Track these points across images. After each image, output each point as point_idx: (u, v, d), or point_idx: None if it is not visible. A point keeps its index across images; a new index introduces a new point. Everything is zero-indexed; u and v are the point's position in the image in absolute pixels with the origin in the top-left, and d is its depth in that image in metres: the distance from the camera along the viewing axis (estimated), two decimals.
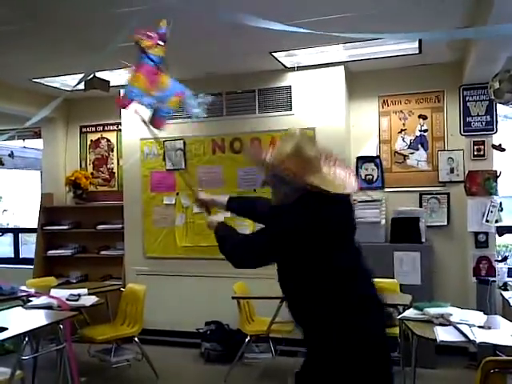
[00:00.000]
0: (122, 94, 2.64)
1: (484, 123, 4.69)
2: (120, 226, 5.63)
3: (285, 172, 1.92)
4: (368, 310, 1.93)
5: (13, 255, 6.78)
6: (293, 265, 1.97)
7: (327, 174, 1.98)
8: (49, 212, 6.10)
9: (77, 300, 4.06)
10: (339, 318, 1.88)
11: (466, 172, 4.72)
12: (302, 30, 2.75)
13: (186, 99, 2.65)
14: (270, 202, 2.13)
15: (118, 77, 5.02)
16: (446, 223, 4.88)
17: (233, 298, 4.33)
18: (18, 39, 4.01)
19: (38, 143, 6.60)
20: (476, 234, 4.65)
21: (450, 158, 4.87)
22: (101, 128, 6.19)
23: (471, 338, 2.87)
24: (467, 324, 3.11)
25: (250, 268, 2.08)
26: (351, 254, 2.00)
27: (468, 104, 4.75)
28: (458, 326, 3.06)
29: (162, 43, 2.70)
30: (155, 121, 2.65)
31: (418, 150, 5.01)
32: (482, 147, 4.69)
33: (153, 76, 2.60)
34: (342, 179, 1.99)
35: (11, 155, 6.92)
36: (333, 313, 1.89)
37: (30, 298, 4.09)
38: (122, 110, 2.59)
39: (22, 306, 3.90)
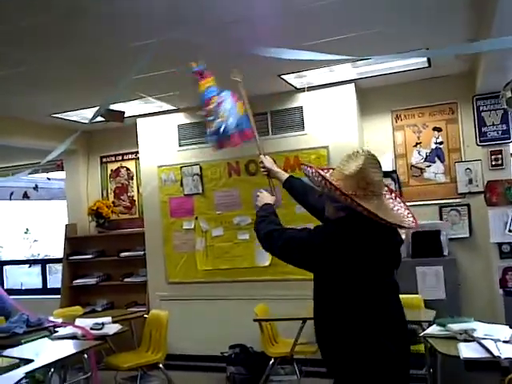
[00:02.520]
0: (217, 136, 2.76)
1: (500, 132, 4.63)
2: (142, 252, 5.72)
3: (335, 191, 1.88)
4: (395, 336, 1.93)
5: (41, 286, 6.92)
6: (323, 283, 2.00)
7: (388, 202, 2.00)
8: (73, 242, 6.24)
9: (101, 329, 4.12)
10: (365, 342, 1.88)
11: (485, 182, 4.65)
12: (325, 57, 2.78)
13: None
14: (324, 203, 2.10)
15: (132, 108, 5.16)
16: (467, 235, 4.80)
17: (254, 320, 4.33)
18: (37, 79, 4.17)
19: (62, 174, 6.78)
20: (500, 244, 4.55)
21: (467, 168, 4.81)
22: (120, 157, 6.34)
23: (496, 353, 2.80)
24: (492, 339, 3.03)
25: (273, 255, 2.13)
26: (385, 285, 1.96)
27: (482, 114, 4.70)
28: (483, 341, 2.99)
29: (202, 77, 2.83)
30: (245, 136, 2.76)
31: (434, 162, 4.97)
32: (500, 156, 4.63)
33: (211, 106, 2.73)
34: (401, 212, 2.00)
35: (36, 188, 7.13)
36: (360, 336, 1.89)
37: (56, 329, 4.17)
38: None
39: (48, 336, 3.98)
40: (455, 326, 3.25)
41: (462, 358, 2.87)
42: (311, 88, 4.94)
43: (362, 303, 1.90)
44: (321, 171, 1.97)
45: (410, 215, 2.01)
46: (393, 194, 2.11)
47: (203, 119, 2.89)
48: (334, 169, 2.07)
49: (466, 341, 3.08)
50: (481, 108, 4.70)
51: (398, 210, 2.03)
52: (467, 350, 2.92)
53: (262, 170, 2.66)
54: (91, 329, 4.09)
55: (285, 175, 2.58)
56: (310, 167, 2.03)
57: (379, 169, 1.97)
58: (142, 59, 2.97)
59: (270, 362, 4.31)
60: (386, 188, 2.07)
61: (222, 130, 2.69)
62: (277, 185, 2.66)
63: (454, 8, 3.25)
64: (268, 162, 2.64)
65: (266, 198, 2.40)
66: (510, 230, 4.49)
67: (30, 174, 6.17)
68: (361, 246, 1.88)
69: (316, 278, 2.04)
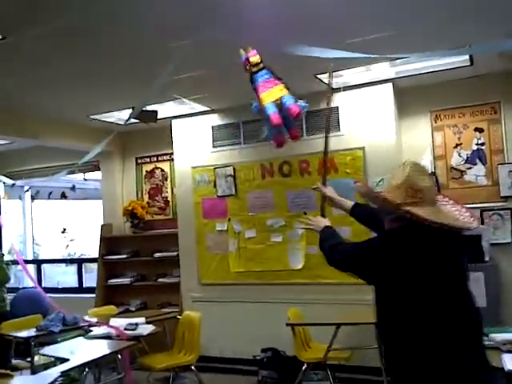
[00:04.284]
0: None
1: None
2: (176, 253, 5.74)
3: (383, 201, 1.90)
4: (462, 349, 1.83)
5: (77, 285, 7.05)
6: (382, 295, 1.95)
7: (444, 207, 1.96)
8: (108, 242, 6.33)
9: (134, 329, 4.15)
10: (429, 355, 1.80)
11: None
12: (359, 55, 2.71)
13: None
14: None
15: (167, 109, 5.18)
16: (510, 240, 4.60)
17: (287, 324, 4.27)
18: (75, 80, 4.25)
19: (97, 174, 6.90)
20: None
21: (511, 171, 4.61)
22: (155, 159, 6.40)
23: None
24: None
25: (338, 269, 2.14)
26: (449, 295, 1.85)
27: None
28: None
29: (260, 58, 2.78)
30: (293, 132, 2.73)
31: (475, 164, 4.79)
32: None
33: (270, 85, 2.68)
34: (459, 215, 1.95)
35: (73, 188, 7.27)
36: (424, 348, 1.82)
37: (91, 328, 4.22)
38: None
39: (83, 335, 4.04)
40: (498, 336, 3.11)
41: (506, 369, 2.73)
42: (347, 88, 4.84)
43: (423, 314, 1.82)
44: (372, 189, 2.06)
45: (471, 217, 1.95)
46: (451, 200, 2.05)
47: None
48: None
49: (510, 352, 2.94)
50: None
51: (456, 212, 1.96)
52: None
53: (327, 201, 2.63)
54: (125, 329, 4.12)
55: (349, 203, 2.55)
56: (360, 182, 2.10)
57: (427, 176, 1.96)
58: (174, 60, 2.96)
59: (303, 368, 4.24)
60: (441, 195, 2.06)
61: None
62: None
63: (494, 4, 3.11)
64: (330, 191, 2.61)
65: (322, 221, 2.42)
66: None
67: (67, 174, 6.29)
68: (412, 256, 1.83)
69: (376, 290, 1.99)
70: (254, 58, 2.73)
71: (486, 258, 4.44)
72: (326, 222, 2.39)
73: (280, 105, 2.61)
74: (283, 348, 4.86)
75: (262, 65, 2.73)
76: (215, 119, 5.54)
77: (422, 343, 1.82)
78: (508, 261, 4.58)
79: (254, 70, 2.72)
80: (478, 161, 4.79)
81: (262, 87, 2.69)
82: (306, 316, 4.51)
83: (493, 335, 3.13)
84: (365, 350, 4.30)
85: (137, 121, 4.49)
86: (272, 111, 2.58)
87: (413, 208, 1.82)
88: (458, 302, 1.86)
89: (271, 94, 2.66)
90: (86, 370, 3.63)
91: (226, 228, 5.43)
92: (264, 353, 4.92)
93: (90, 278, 7.02)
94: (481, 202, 4.73)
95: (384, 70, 4.45)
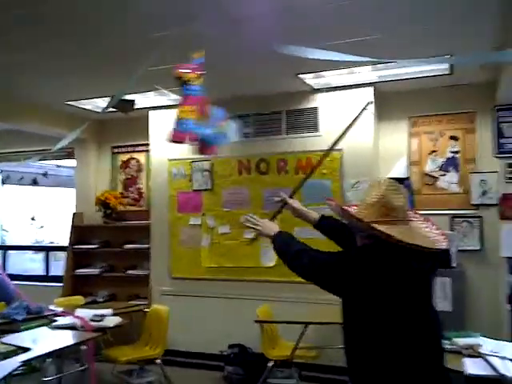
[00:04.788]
0: (175, 128, 2.85)
1: None
2: (147, 245, 5.68)
3: (354, 219, 1.90)
4: (423, 366, 1.86)
5: (44, 273, 6.90)
6: (348, 308, 1.96)
7: (417, 226, 1.97)
8: (79, 231, 6.22)
9: (100, 321, 4.08)
10: (393, 369, 1.84)
11: (500, 195, 4.55)
12: (349, 58, 2.71)
13: (229, 124, 2.76)
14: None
15: (146, 99, 5.11)
16: (478, 248, 4.70)
17: (255, 321, 4.27)
18: (54, 64, 4.14)
19: (71, 162, 6.77)
20: (510, 259, 4.44)
21: (482, 180, 4.71)
22: (131, 149, 6.30)
23: (502, 371, 2.72)
24: (498, 356, 2.95)
25: (301, 276, 2.06)
26: (414, 312, 1.87)
27: (501, 125, 4.59)
28: (489, 358, 2.91)
29: (201, 73, 2.79)
30: (204, 148, 2.78)
31: (449, 171, 4.87)
32: None
33: (201, 105, 2.75)
34: (431, 235, 1.95)
35: (45, 174, 7.12)
36: (388, 362, 1.84)
37: (56, 318, 4.13)
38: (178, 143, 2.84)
39: (47, 325, 3.95)
40: (461, 341, 3.17)
41: (466, 373, 2.78)
42: (329, 89, 4.86)
43: (385, 329, 1.85)
44: (344, 207, 2.00)
45: (441, 235, 1.97)
46: (421, 217, 2.06)
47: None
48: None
49: (471, 356, 3.00)
50: (500, 119, 4.59)
51: (427, 229, 1.98)
52: (472, 366, 2.84)
53: (292, 212, 2.58)
54: (91, 320, 4.05)
55: (315, 214, 2.51)
56: (332, 201, 2.13)
57: (402, 195, 1.95)
58: (156, 51, 2.92)
59: (269, 365, 4.24)
60: (412, 211, 2.06)
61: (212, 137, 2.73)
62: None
63: (481, 15, 3.17)
64: (296, 203, 2.56)
65: (272, 225, 2.32)
66: None
67: (40, 160, 6.16)
68: (382, 272, 1.84)
69: (343, 303, 2.00)
70: (189, 75, 2.78)
71: (454, 264, 4.51)
72: (276, 226, 2.31)
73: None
74: (251, 345, 4.86)
75: (193, 81, 2.78)
76: None
77: (382, 357, 1.85)
78: (475, 267, 4.68)
79: (185, 80, 2.79)
80: (451, 168, 4.87)
81: (186, 100, 2.80)
82: (276, 314, 4.51)
83: (456, 339, 3.20)
84: (332, 350, 4.32)
85: (114, 109, 4.43)
86: (177, 127, 2.76)
87: (386, 227, 1.82)
88: (420, 320, 1.88)
89: (186, 111, 2.74)
90: (49, 360, 3.55)
91: (199, 223, 5.40)
92: (231, 349, 4.92)
93: (59, 267, 6.89)
94: (452, 209, 4.82)
95: (366, 73, 4.47)
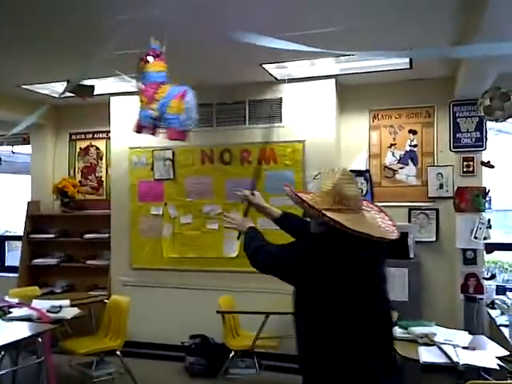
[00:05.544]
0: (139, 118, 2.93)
1: (474, 139, 4.68)
2: (107, 235, 5.57)
3: (306, 205, 1.93)
4: (374, 354, 1.90)
5: None
6: (303, 296, 2.00)
7: (370, 216, 2.02)
8: (35, 220, 6.03)
9: (58, 312, 3.99)
10: (340, 356, 1.88)
11: (456, 188, 4.70)
12: (308, 49, 2.71)
13: (188, 101, 2.73)
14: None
15: (106, 85, 4.98)
16: (434, 239, 4.85)
17: (217, 312, 4.27)
18: (7, 46, 3.96)
19: (27, 148, 6.53)
20: (464, 250, 4.61)
21: (439, 173, 4.85)
22: (90, 136, 6.14)
23: (455, 359, 2.84)
24: (452, 344, 3.07)
25: (261, 271, 2.13)
26: (371, 300, 1.93)
27: (458, 120, 4.73)
28: (442, 346, 3.03)
29: (157, 58, 2.73)
30: (173, 133, 2.76)
31: (407, 164, 4.99)
32: (472, 163, 4.67)
33: (151, 90, 2.70)
34: (383, 225, 2.01)
35: None
36: (336, 349, 1.89)
37: (11, 309, 4.01)
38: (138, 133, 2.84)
39: (1, 317, 3.82)
40: (417, 330, 3.28)
41: (421, 361, 2.89)
42: (292, 80, 4.87)
43: (334, 317, 1.89)
44: (299, 193, 2.03)
45: (393, 226, 2.02)
46: (375, 207, 2.13)
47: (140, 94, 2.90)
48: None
49: (426, 344, 3.12)
50: (457, 114, 4.73)
51: (381, 223, 2.03)
52: (427, 354, 2.95)
53: (246, 205, 2.55)
54: (48, 311, 3.96)
55: (276, 211, 2.51)
56: (288, 187, 2.12)
57: (355, 184, 2.01)
58: (116, 36, 2.84)
59: (230, 355, 4.26)
60: (366, 201, 2.12)
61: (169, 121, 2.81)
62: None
63: (441, 12, 3.23)
64: (257, 198, 2.53)
65: (244, 221, 2.37)
66: (475, 237, 4.55)
67: None
68: (331, 259, 1.87)
69: (296, 291, 2.04)
70: (154, 63, 2.78)
71: (411, 255, 4.66)
72: (249, 222, 2.36)
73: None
74: (213, 335, 4.87)
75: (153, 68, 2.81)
76: None
77: (331, 344, 1.89)
78: (431, 258, 4.83)
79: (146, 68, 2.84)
80: (409, 161, 4.99)
81: (146, 89, 2.87)
82: (238, 304, 4.53)
83: (412, 328, 3.31)
84: (292, 339, 4.36)
85: (72, 94, 4.28)
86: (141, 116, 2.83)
87: (337, 215, 1.85)
88: (368, 307, 1.92)
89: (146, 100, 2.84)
90: (3, 353, 3.44)
91: (161, 212, 5.33)
92: (192, 339, 4.91)
93: (14, 257, 6.67)
94: (409, 201, 4.94)
95: (328, 65, 4.51)
